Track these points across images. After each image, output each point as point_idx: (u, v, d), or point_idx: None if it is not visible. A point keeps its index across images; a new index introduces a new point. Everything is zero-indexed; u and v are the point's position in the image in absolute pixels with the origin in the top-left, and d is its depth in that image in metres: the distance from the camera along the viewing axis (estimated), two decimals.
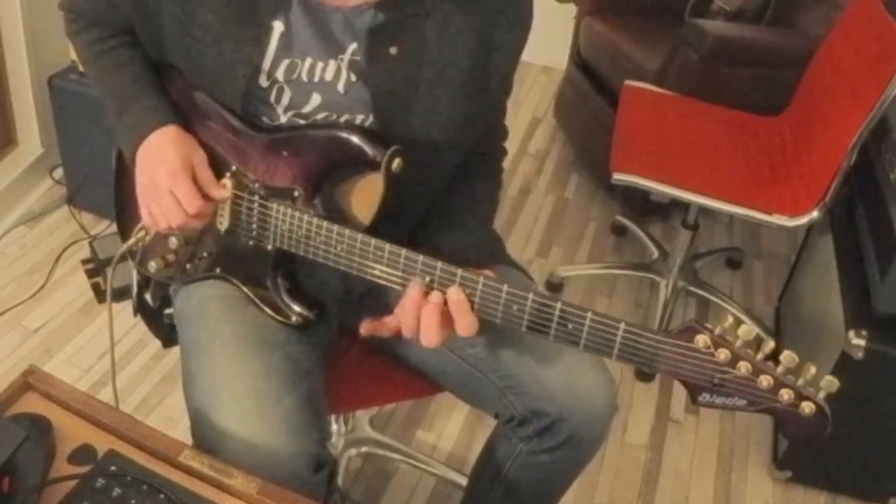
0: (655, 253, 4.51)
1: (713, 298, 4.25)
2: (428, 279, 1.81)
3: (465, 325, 1.79)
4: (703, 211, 3.75)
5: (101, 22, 2.16)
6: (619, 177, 3.51)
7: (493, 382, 2.17)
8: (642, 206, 4.83)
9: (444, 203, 2.16)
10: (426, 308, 1.80)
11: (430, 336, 1.80)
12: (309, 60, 1.94)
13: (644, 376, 3.87)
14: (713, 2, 4.68)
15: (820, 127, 3.50)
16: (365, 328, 1.93)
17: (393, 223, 1.96)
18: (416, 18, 1.91)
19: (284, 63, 1.94)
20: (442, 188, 2.16)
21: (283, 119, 2.01)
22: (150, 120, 2.02)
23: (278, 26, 1.91)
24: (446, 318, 1.81)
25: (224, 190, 2.01)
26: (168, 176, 1.94)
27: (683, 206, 4.03)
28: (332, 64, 1.95)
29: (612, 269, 4.52)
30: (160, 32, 1.99)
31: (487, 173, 2.28)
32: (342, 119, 1.99)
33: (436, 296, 1.80)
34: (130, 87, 2.08)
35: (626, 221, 4.81)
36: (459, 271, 1.78)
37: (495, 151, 2.33)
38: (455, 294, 1.78)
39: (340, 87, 1.97)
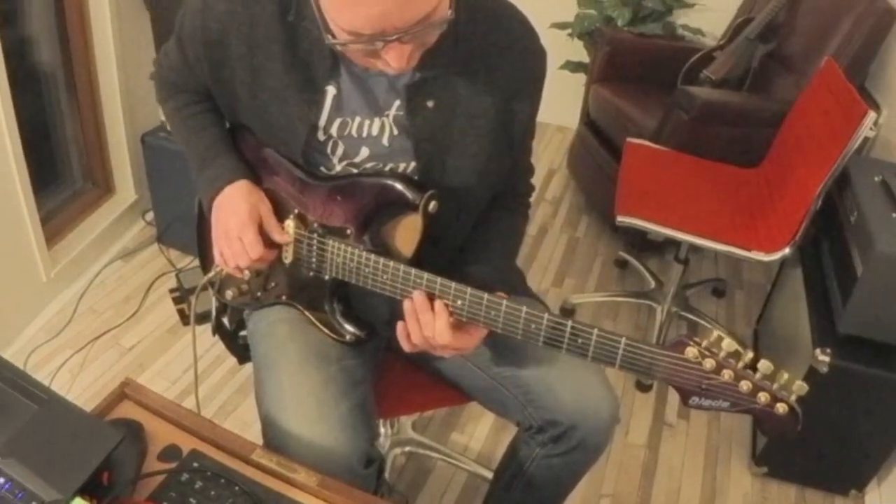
0: (652, 283, 4.50)
1: (701, 322, 4.23)
2: (459, 302, 1.82)
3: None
4: (693, 248, 3.73)
5: (185, 89, 2.20)
6: (622, 219, 3.51)
7: (516, 397, 2.17)
8: (641, 244, 4.83)
9: (476, 236, 2.16)
10: (429, 316, 1.82)
11: (442, 339, 1.81)
12: (358, 119, 1.96)
13: (643, 387, 3.86)
14: (701, 72, 4.68)
15: (791, 177, 3.49)
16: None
17: (436, 253, 1.98)
18: (448, 75, 1.92)
19: (337, 121, 1.96)
20: (475, 220, 2.17)
21: (339, 168, 2.02)
22: (225, 176, 2.05)
23: (331, 90, 1.93)
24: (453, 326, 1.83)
25: (286, 235, 2.04)
26: (238, 225, 1.98)
27: (676, 244, 4.03)
28: (377, 121, 1.96)
29: (616, 297, 4.50)
30: (234, 98, 2.02)
31: (513, 208, 2.27)
32: (388, 167, 2.00)
33: (439, 304, 1.82)
34: (208, 149, 2.11)
35: (627, 256, 4.80)
36: (486, 295, 1.79)
37: (524, 187, 2.32)
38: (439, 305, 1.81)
39: (385, 140, 1.98)
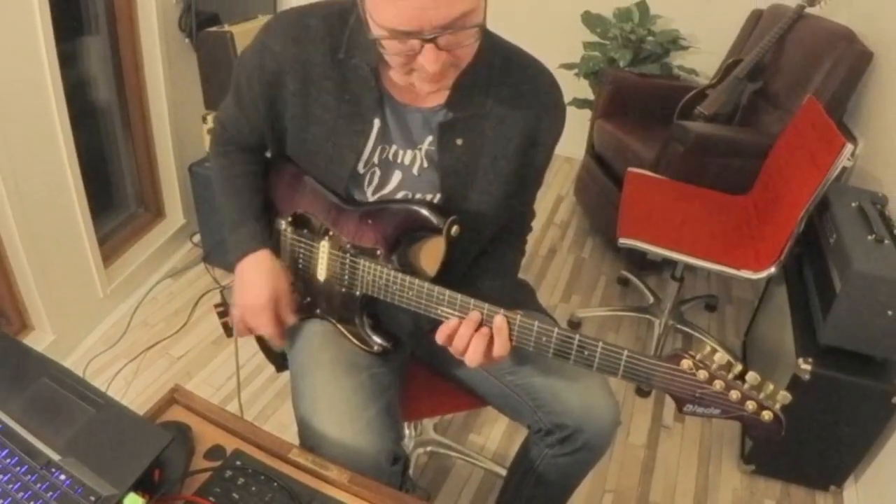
0: (651, 299, 4.49)
1: (695, 334, 4.22)
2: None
3: (501, 344, 1.80)
4: (688, 267, 3.72)
5: (237, 143, 2.22)
6: (623, 241, 3.51)
7: (527, 402, 2.18)
8: (641, 263, 4.82)
9: (484, 263, 2.18)
10: (477, 335, 1.82)
11: (474, 357, 1.82)
12: (394, 147, 1.97)
13: (642, 393, 3.85)
14: (695, 108, 4.68)
15: (777, 203, 3.49)
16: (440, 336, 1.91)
17: (450, 271, 1.98)
18: (478, 118, 1.93)
19: (378, 148, 1.97)
20: (483, 247, 2.18)
21: (371, 199, 2.03)
22: (249, 244, 2.11)
23: (377, 123, 1.94)
24: (488, 347, 1.82)
25: (292, 318, 2.15)
26: (260, 307, 2.09)
27: (673, 263, 4.01)
28: (409, 152, 1.97)
29: (618, 312, 4.49)
30: (283, 131, 2.04)
31: (515, 244, 2.30)
32: (416, 196, 2.01)
33: (486, 329, 1.82)
34: (240, 213, 2.15)
35: (628, 275, 4.79)
36: (501, 310, 1.79)
37: (525, 228, 2.34)
38: (499, 320, 1.80)
39: (415, 170, 1.99)
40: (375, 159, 1.99)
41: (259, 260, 2.10)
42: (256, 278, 2.09)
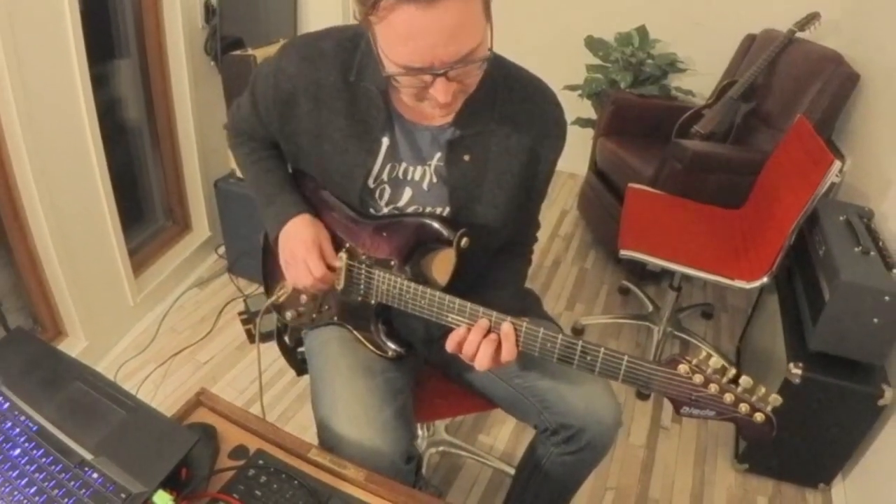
0: (650, 307, 4.48)
1: (692, 340, 4.21)
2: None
3: (509, 350, 1.81)
4: (685, 277, 3.72)
5: (254, 138, 2.22)
6: (624, 252, 3.51)
7: (533, 404, 2.17)
8: (641, 274, 4.82)
9: (490, 272, 2.18)
10: (485, 341, 1.82)
11: (483, 361, 1.82)
12: (404, 164, 1.97)
13: (642, 396, 3.84)
14: (692, 127, 4.68)
15: (769, 217, 3.49)
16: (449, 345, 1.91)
17: (459, 281, 1.98)
18: (484, 135, 1.93)
19: (388, 166, 1.97)
20: (491, 257, 2.18)
21: (385, 211, 2.03)
22: (289, 211, 2.08)
23: (385, 141, 1.94)
24: (496, 352, 1.83)
25: (339, 261, 2.05)
26: (303, 250, 2.02)
27: (671, 274, 4.00)
28: (419, 168, 1.97)
29: (619, 319, 4.48)
30: (298, 148, 2.04)
31: (521, 253, 2.29)
32: (426, 209, 2.01)
33: (494, 335, 1.82)
34: (274, 187, 2.13)
35: (629, 284, 4.78)
36: (508, 318, 1.80)
37: (530, 238, 2.34)
38: (506, 327, 1.80)
39: (425, 185, 1.99)
40: (385, 176, 1.99)
41: (301, 220, 2.08)
42: (299, 231, 2.06)
